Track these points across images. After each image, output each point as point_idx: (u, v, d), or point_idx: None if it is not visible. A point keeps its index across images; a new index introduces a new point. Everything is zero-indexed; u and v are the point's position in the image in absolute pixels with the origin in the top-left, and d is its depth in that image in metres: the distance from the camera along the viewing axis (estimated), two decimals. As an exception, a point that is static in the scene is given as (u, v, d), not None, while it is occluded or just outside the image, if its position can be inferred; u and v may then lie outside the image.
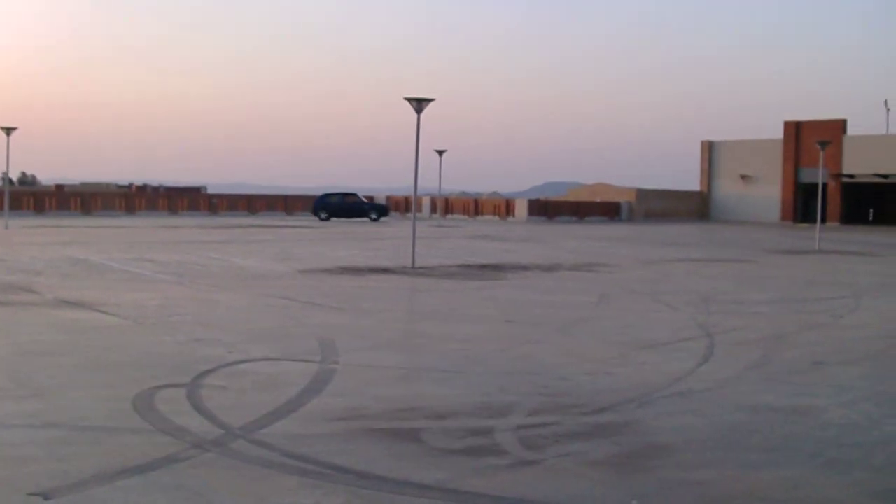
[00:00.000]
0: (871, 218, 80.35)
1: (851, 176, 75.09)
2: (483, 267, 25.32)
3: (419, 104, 25.02)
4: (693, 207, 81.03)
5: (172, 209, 65.53)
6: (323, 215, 61.29)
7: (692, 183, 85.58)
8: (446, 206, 73.26)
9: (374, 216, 61.35)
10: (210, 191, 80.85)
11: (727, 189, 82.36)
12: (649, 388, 10.25)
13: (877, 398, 10.06)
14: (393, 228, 48.90)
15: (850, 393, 10.26)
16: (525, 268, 25.41)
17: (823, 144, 41.10)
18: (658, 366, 11.62)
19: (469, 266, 25.48)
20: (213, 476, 6.92)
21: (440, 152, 58.68)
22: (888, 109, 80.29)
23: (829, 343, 13.85)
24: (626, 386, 10.35)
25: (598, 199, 76.87)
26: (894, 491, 6.94)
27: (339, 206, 62.43)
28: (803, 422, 8.96)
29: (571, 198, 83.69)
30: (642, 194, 76.66)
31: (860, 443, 8.25)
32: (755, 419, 9.03)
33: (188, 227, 46.42)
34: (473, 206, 73.27)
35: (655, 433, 8.39)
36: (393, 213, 71.37)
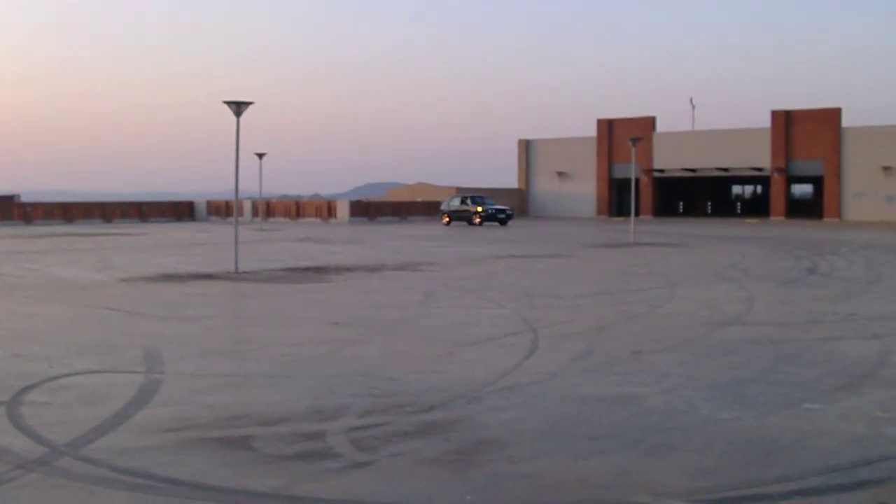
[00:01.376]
0: (681, 210, 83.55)
1: (662, 171, 77.81)
2: (307, 269, 25.20)
3: (238, 107, 24.73)
4: (513, 204, 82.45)
5: (-18, 219, 62.29)
6: None
7: (511, 181, 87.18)
8: (268, 209, 72.52)
9: None
10: (25, 199, 77.44)
11: (545, 186, 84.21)
12: (477, 384, 10.41)
13: (694, 383, 10.48)
14: (213, 234, 48.09)
15: (669, 380, 10.65)
16: (349, 269, 25.40)
17: (635, 141, 42.43)
18: (485, 362, 11.81)
19: (293, 269, 25.31)
20: (38, 497, 6.70)
21: (260, 155, 58.02)
22: (694, 107, 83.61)
23: (647, 332, 14.33)
24: (454, 383, 10.48)
25: (420, 199, 77.39)
26: (713, 470, 7.24)
27: None
28: (627, 409, 9.26)
29: (392, 198, 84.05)
30: (462, 193, 77.55)
31: (680, 426, 8.58)
32: (582, 409, 9.28)
33: (1, 237, 44.56)
34: (295, 209, 72.71)
35: (485, 428, 8.53)
36: (213, 218, 70.29)
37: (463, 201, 60.84)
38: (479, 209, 58.95)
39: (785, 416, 9.00)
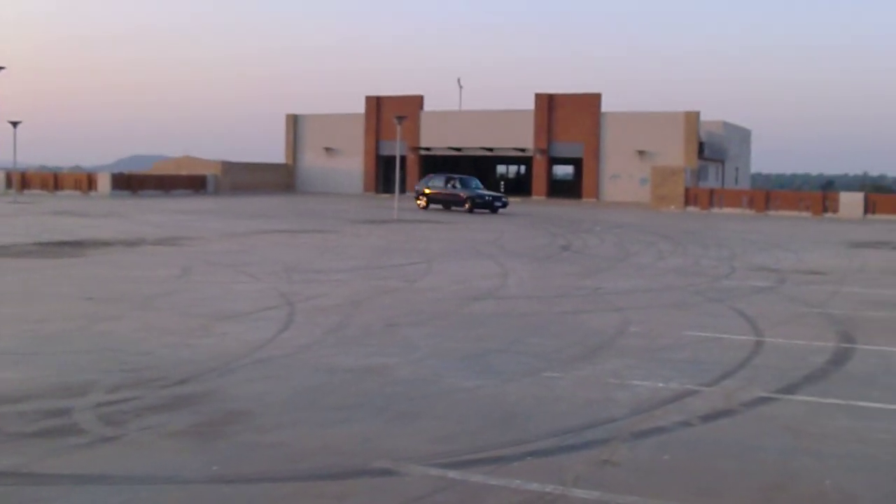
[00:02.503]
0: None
1: (428, 149, 78.89)
2: (62, 244, 24.42)
3: (-13, 75, 23.80)
4: (280, 180, 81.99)
5: None
6: None
7: (279, 156, 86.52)
8: (22, 181, 69.56)
9: None
10: None
11: (312, 161, 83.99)
12: (230, 357, 10.48)
13: (442, 354, 10.87)
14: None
15: (419, 351, 11.01)
16: (107, 243, 24.75)
17: (400, 119, 42.96)
18: (240, 335, 11.86)
19: (47, 244, 24.47)
20: None
21: (14, 123, 55.60)
22: (461, 87, 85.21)
23: (402, 306, 14.69)
24: (207, 356, 10.51)
25: (185, 173, 75.87)
26: (452, 436, 7.59)
27: None
28: (375, 380, 9.54)
29: (156, 171, 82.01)
30: (228, 167, 76.40)
31: (425, 395, 8.93)
32: (331, 380, 9.50)
33: None
34: (53, 181, 70.03)
35: (235, 400, 8.64)
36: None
37: (448, 182, 49.77)
38: (468, 194, 47.41)
39: (525, 384, 9.48)
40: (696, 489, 6.52)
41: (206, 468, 6.75)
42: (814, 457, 7.32)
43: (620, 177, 71.13)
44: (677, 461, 7.11)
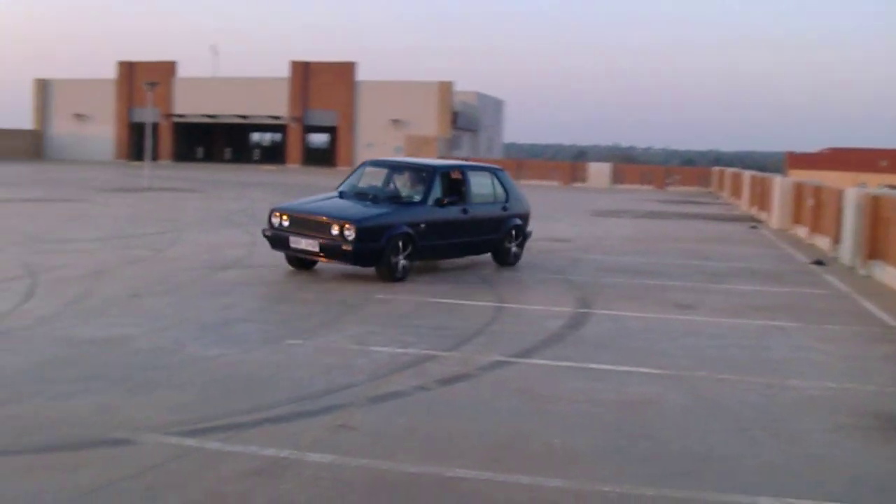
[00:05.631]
0: (201, 156, 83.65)
1: (182, 116, 77.40)
2: None
3: None
4: (26, 147, 78.62)
5: None
6: None
7: (25, 122, 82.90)
8: None
9: None
10: None
11: (62, 128, 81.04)
12: (-38, 330, 10.15)
13: (184, 324, 10.85)
14: None
15: (162, 321, 10.95)
16: None
17: (152, 85, 42.04)
18: (-25, 308, 11.48)
19: None
20: None
21: None
22: (217, 54, 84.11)
23: (148, 276, 14.50)
24: (-62, 330, 10.14)
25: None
26: (191, 404, 7.65)
27: None
28: (115, 351, 9.45)
29: None
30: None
31: (165, 365, 8.93)
32: (71, 352, 9.35)
33: None
34: None
35: (-35, 374, 8.41)
36: None
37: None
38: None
39: (267, 352, 9.62)
40: (429, 451, 6.81)
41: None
42: (544, 417, 7.77)
43: (375, 145, 71.97)
44: (412, 424, 7.41)
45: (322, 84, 74.45)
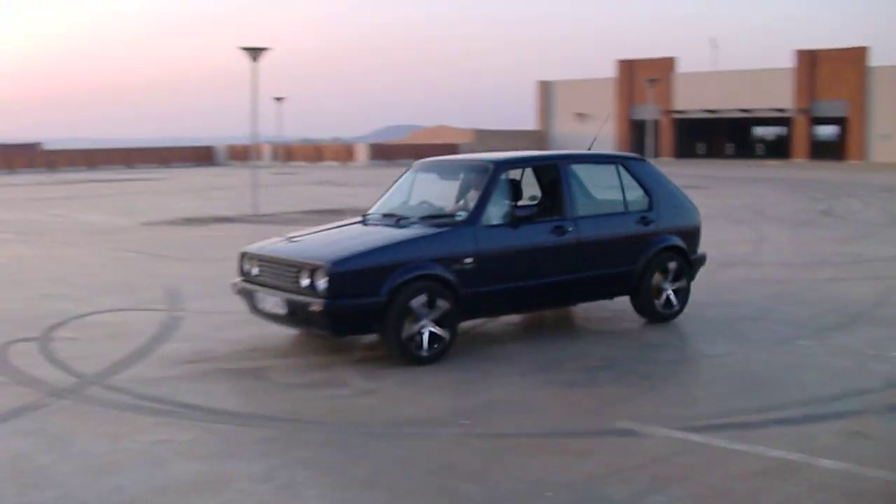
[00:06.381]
0: (702, 152, 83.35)
1: (682, 112, 77.66)
2: (324, 212, 25.63)
3: (254, 54, 25.13)
4: (532, 146, 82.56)
5: (9, 166, 61.57)
6: None
7: (530, 122, 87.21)
8: (287, 153, 72.98)
9: None
10: (48, 147, 77.75)
11: (564, 127, 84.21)
12: None
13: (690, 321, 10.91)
14: (233, 178, 48.45)
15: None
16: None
17: (652, 82, 42.62)
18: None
19: (310, 211, 25.76)
20: (71, 420, 7.25)
21: (279, 99, 58.64)
22: (716, 47, 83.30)
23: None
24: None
25: (438, 142, 77.61)
26: (694, 400, 7.73)
27: None
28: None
29: (411, 141, 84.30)
30: (482, 135, 77.72)
31: (670, 361, 9.05)
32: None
33: (27, 184, 45.09)
34: (314, 153, 73.16)
35: None
36: (234, 163, 70.40)
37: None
38: None
39: (776, 352, 9.43)
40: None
41: None
42: None
43: (891, 136, 67.52)
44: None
45: (830, 72, 71.17)
